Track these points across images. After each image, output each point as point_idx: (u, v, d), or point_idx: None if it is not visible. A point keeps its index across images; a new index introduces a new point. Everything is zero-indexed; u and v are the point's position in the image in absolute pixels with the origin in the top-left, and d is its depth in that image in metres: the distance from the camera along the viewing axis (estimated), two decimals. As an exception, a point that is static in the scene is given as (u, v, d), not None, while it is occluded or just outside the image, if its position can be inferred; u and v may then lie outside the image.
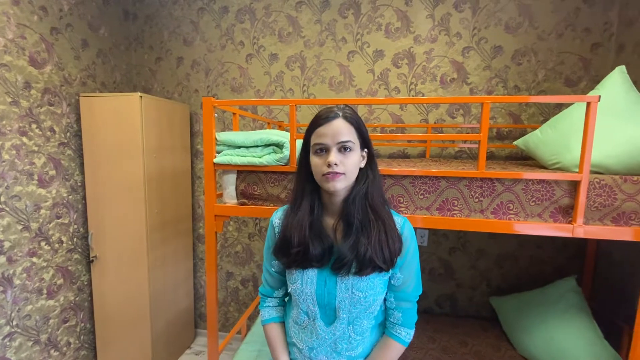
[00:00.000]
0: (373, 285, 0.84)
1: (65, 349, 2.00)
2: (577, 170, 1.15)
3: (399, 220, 0.88)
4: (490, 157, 2.07)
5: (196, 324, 2.64)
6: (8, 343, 1.69)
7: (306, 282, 0.87)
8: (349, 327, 0.87)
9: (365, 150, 0.87)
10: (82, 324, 2.11)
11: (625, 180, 1.09)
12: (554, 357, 1.53)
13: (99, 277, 2.07)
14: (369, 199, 0.85)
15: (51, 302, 1.90)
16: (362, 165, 0.86)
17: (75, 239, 2.04)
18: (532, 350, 1.62)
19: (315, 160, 0.83)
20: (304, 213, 0.87)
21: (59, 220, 1.93)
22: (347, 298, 0.84)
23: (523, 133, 1.96)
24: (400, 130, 2.13)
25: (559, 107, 1.95)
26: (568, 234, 1.11)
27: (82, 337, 2.11)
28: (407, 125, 2.10)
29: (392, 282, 0.89)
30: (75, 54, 2.01)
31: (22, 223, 1.73)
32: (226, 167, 1.34)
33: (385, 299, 0.92)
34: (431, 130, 2.10)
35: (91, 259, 2.06)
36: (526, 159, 1.98)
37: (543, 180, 1.13)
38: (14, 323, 1.71)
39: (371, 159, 0.88)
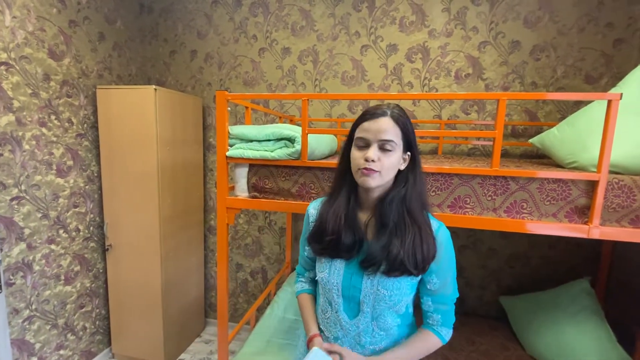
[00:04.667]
0: (400, 286, 0.85)
1: (81, 333, 2.07)
2: (594, 170, 1.12)
3: (434, 224, 0.88)
4: (505, 154, 2.03)
5: (206, 313, 2.69)
6: (27, 326, 1.76)
7: (333, 273, 0.89)
8: (372, 322, 0.88)
9: (408, 153, 0.85)
10: (98, 310, 2.18)
11: (645, 181, 1.06)
12: (564, 359, 1.51)
13: (114, 265, 2.13)
14: (407, 203, 0.84)
15: (68, 288, 1.97)
16: (402, 167, 0.86)
17: (91, 228, 2.10)
18: (542, 351, 1.60)
19: (355, 153, 0.84)
20: (341, 204, 0.88)
21: (76, 210, 1.99)
22: (371, 294, 0.85)
23: (538, 131, 1.92)
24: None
25: (578, 105, 1.89)
26: (583, 235, 1.08)
27: (97, 323, 2.18)
28: (420, 121, 2.07)
29: (429, 286, 0.89)
30: (92, 47, 2.05)
31: (41, 211, 1.79)
32: (238, 161, 1.36)
33: (421, 303, 0.93)
34: (444, 127, 2.07)
35: (106, 247, 2.11)
36: (541, 157, 1.94)
37: (559, 180, 1.10)
38: (33, 307, 1.78)
39: (414, 162, 0.87)
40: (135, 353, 2.20)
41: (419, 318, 0.97)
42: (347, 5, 2.13)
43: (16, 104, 1.64)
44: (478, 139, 2.02)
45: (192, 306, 2.46)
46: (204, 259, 2.61)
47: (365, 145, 0.82)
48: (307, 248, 1.00)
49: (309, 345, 0.94)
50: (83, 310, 2.08)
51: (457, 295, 0.93)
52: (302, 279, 1.08)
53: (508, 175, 1.12)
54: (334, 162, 1.29)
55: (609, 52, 1.85)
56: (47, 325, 1.86)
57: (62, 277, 1.93)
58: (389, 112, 0.82)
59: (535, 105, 1.97)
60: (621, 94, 1.01)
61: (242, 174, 1.39)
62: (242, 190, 1.41)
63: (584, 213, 1.10)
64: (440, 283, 0.88)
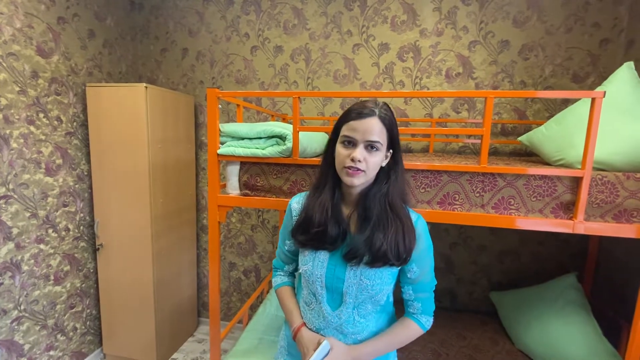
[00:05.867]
0: (382, 276, 0.87)
1: (71, 333, 2.05)
2: (580, 166, 1.14)
3: (413, 216, 0.91)
4: (494, 153, 2.06)
5: (199, 312, 2.68)
6: (16, 327, 1.74)
7: (317, 265, 0.90)
8: (354, 310, 0.90)
9: (391, 150, 0.87)
10: (88, 310, 2.16)
11: (627, 177, 1.09)
12: (551, 351, 1.54)
13: (105, 264, 2.11)
14: (389, 198, 0.87)
15: (58, 288, 1.95)
16: (384, 164, 0.88)
17: (81, 227, 2.07)
18: (530, 345, 1.63)
19: (340, 150, 0.84)
20: (327, 198, 0.90)
21: (66, 209, 1.97)
22: (354, 284, 0.88)
23: (528, 129, 1.95)
24: (404, 125, 2.12)
25: (565, 103, 1.93)
26: (569, 230, 1.11)
27: (88, 323, 2.16)
28: (411, 119, 2.09)
29: (409, 275, 0.92)
30: (82, 44, 2.02)
31: (29, 210, 1.77)
32: (230, 158, 1.35)
33: (402, 292, 0.96)
34: (435, 125, 2.09)
35: (97, 246, 2.09)
36: (530, 155, 1.97)
37: (545, 176, 1.13)
38: (22, 308, 1.76)
39: (396, 160, 0.89)
40: (127, 353, 2.18)
41: (400, 312, 1.00)
42: (339, 4, 2.14)
43: (3, 101, 1.62)
44: (468, 137, 2.04)
45: (184, 305, 2.45)
46: (197, 258, 2.60)
47: (352, 144, 0.83)
48: (287, 242, 1.01)
49: (296, 335, 0.95)
50: (73, 310, 2.05)
51: (435, 282, 0.96)
52: (281, 273, 1.08)
53: (496, 172, 1.14)
54: (319, 159, 1.30)
55: (596, 51, 1.89)
56: (36, 325, 1.84)
57: (52, 277, 1.91)
58: (377, 112, 0.83)
59: (524, 103, 2.00)
60: (604, 92, 1.04)
61: (233, 171, 1.39)
62: (233, 188, 1.40)
63: (569, 209, 1.13)
64: (420, 271, 0.91)
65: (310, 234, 0.89)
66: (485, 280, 2.17)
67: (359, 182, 0.83)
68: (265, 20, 2.26)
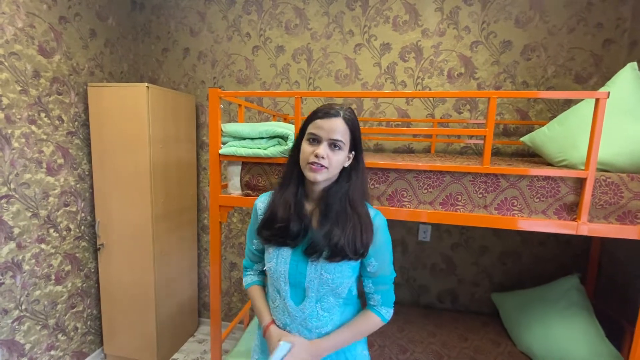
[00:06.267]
0: (342, 270, 0.91)
1: (72, 333, 2.05)
2: (583, 167, 1.14)
3: (372, 212, 0.95)
4: (496, 153, 2.05)
5: (200, 312, 2.68)
6: (17, 327, 1.73)
7: (280, 261, 0.94)
8: (317, 304, 0.93)
9: (353, 152, 0.93)
10: (89, 310, 2.16)
11: (632, 179, 1.08)
12: (553, 353, 1.53)
13: (106, 264, 2.11)
14: (349, 196, 0.92)
15: (59, 288, 1.95)
16: (347, 164, 0.93)
17: (82, 227, 2.07)
18: (532, 347, 1.62)
19: (305, 147, 0.89)
20: (290, 194, 0.94)
21: (67, 208, 1.97)
22: (316, 279, 0.91)
23: (530, 130, 1.94)
24: (405, 125, 2.12)
25: (568, 104, 1.92)
26: (572, 231, 1.10)
27: (88, 323, 2.16)
28: (413, 120, 2.09)
29: (369, 269, 0.96)
30: (84, 44, 2.02)
31: (31, 210, 1.77)
32: (231, 159, 1.35)
33: (363, 285, 1.00)
34: (437, 125, 2.08)
35: (98, 246, 2.09)
36: (533, 156, 1.96)
37: (548, 177, 1.12)
38: (23, 307, 1.76)
39: (357, 161, 0.94)
40: (127, 353, 2.18)
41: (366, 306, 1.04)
42: (341, 4, 2.14)
43: (5, 101, 1.61)
44: (470, 137, 2.03)
45: (185, 305, 2.45)
46: (198, 258, 2.60)
47: (317, 141, 0.88)
48: (255, 241, 1.05)
49: (265, 333, 0.98)
50: (74, 310, 2.05)
51: (395, 275, 1.00)
52: (251, 272, 1.11)
53: (499, 172, 1.14)
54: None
55: (598, 52, 1.88)
56: (37, 325, 1.83)
57: (53, 277, 1.91)
58: (341, 114, 0.88)
59: (526, 104, 2.00)
60: (608, 92, 1.03)
61: (235, 171, 1.39)
62: (235, 188, 1.40)
63: (572, 210, 1.12)
64: (379, 265, 0.95)
65: (274, 229, 0.93)
66: (487, 281, 2.16)
67: (321, 177, 0.87)
68: (266, 20, 2.26)
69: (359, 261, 0.94)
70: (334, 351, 0.95)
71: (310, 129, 0.89)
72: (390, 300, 0.99)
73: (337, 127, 0.86)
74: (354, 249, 0.88)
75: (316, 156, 0.85)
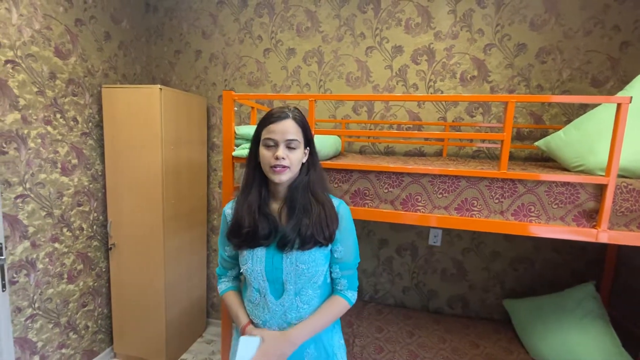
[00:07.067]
0: (315, 257, 0.95)
1: (83, 332, 2.07)
2: (602, 173, 1.11)
3: (335, 202, 1.01)
4: (510, 157, 2.01)
5: (208, 313, 2.69)
6: (30, 324, 1.75)
7: (256, 261, 0.97)
8: (296, 297, 0.97)
9: (308, 148, 0.99)
10: (100, 309, 2.18)
11: (654, 186, 1.06)
12: (569, 363, 1.50)
13: (117, 264, 2.13)
14: (311, 187, 0.98)
15: (71, 287, 1.97)
16: (304, 160, 0.98)
17: (95, 227, 2.09)
18: (546, 355, 1.59)
19: (264, 152, 0.93)
20: (254, 198, 0.98)
21: (80, 208, 1.99)
22: (292, 271, 0.95)
23: (544, 134, 1.91)
24: (417, 128, 2.10)
25: (584, 108, 1.89)
26: (591, 239, 1.08)
27: (99, 322, 2.18)
28: (425, 123, 2.07)
29: (336, 255, 1.01)
30: (98, 46, 2.05)
31: (45, 209, 1.79)
32: (244, 161, 1.35)
33: (331, 272, 1.05)
34: (449, 129, 2.06)
35: (110, 246, 2.11)
36: (546, 161, 1.93)
37: (567, 183, 1.10)
38: (36, 305, 1.78)
39: (312, 155, 1.00)
40: (137, 352, 2.19)
41: None
42: (353, 7, 2.13)
43: (22, 102, 1.64)
44: (483, 141, 2.01)
45: (194, 306, 2.46)
46: (207, 259, 2.61)
47: (274, 144, 0.92)
48: (226, 248, 1.07)
49: (243, 333, 1.00)
50: (85, 309, 2.07)
51: (359, 260, 1.06)
52: (225, 279, 1.14)
53: (516, 178, 1.12)
54: (338, 162, 1.29)
55: (615, 55, 1.85)
56: (49, 323, 1.86)
57: (65, 276, 1.93)
58: (291, 115, 0.93)
59: (540, 108, 1.97)
60: (631, 97, 1.01)
61: (247, 174, 1.39)
62: (247, 190, 1.40)
63: (592, 217, 1.10)
64: (345, 250, 1.01)
65: (242, 235, 0.96)
66: (498, 287, 2.13)
67: (285, 177, 0.92)
68: (278, 23, 2.26)
69: (329, 248, 0.99)
70: (308, 338, 0.97)
71: (265, 134, 0.93)
72: (354, 284, 1.05)
73: (289, 128, 0.91)
74: (322, 234, 0.93)
75: (277, 158, 0.90)
